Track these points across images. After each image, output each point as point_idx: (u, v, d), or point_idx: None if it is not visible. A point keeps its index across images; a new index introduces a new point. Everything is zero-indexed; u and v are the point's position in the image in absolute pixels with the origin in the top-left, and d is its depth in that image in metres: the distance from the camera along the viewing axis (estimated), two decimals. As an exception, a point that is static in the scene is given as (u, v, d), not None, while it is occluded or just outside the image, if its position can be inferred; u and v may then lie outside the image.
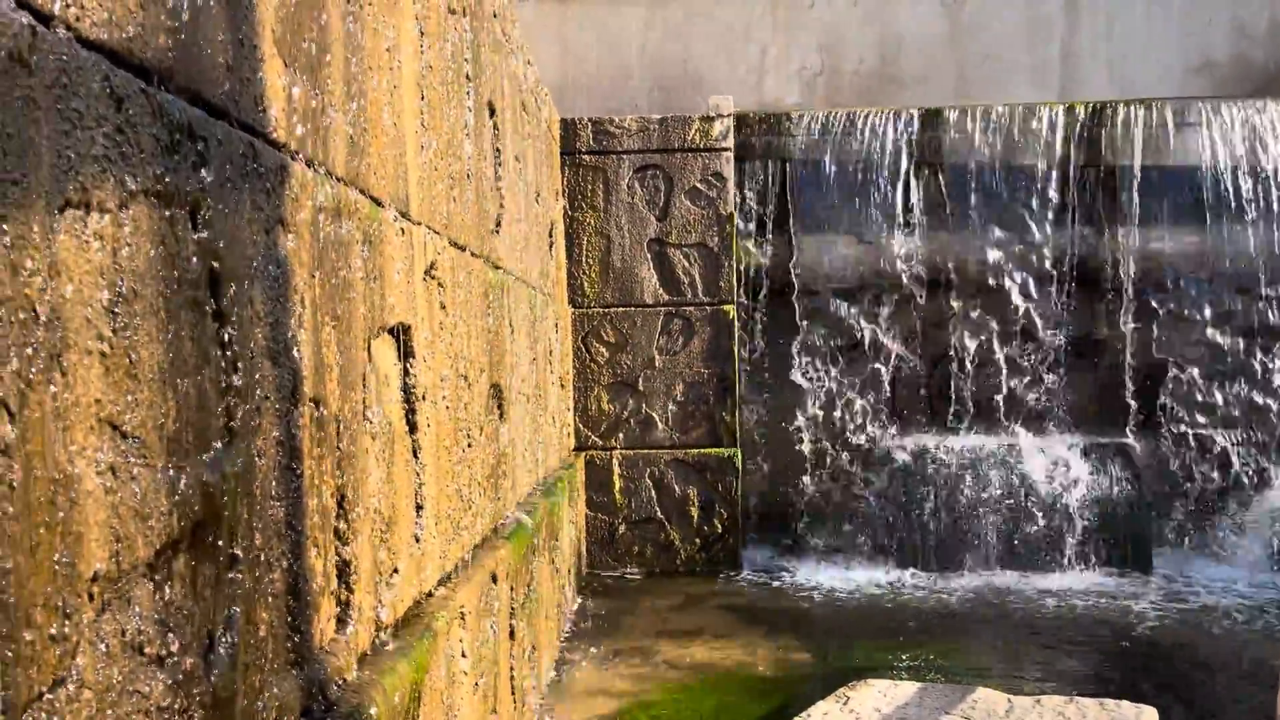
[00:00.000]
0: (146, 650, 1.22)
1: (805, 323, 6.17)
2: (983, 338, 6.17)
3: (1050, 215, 6.10)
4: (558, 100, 6.28)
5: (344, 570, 1.92)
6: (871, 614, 5.03)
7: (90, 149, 1.11)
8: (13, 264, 0.97)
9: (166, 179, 1.28)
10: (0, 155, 0.94)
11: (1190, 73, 6.61)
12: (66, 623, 1.05)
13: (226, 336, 1.44)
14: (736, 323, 5.96)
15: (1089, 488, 5.76)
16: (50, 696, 1.02)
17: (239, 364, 1.47)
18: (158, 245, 1.25)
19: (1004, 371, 6.16)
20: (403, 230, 2.36)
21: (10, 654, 0.94)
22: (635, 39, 6.72)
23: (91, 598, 1.10)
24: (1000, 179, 6.11)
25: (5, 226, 0.95)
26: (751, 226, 6.17)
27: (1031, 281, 6.14)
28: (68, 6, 1.08)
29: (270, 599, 1.58)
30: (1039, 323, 6.15)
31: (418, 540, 2.44)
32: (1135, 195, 6.07)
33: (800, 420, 6.16)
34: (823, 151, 6.10)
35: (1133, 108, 6.03)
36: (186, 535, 1.32)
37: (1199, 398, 6.10)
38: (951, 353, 6.18)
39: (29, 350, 0.99)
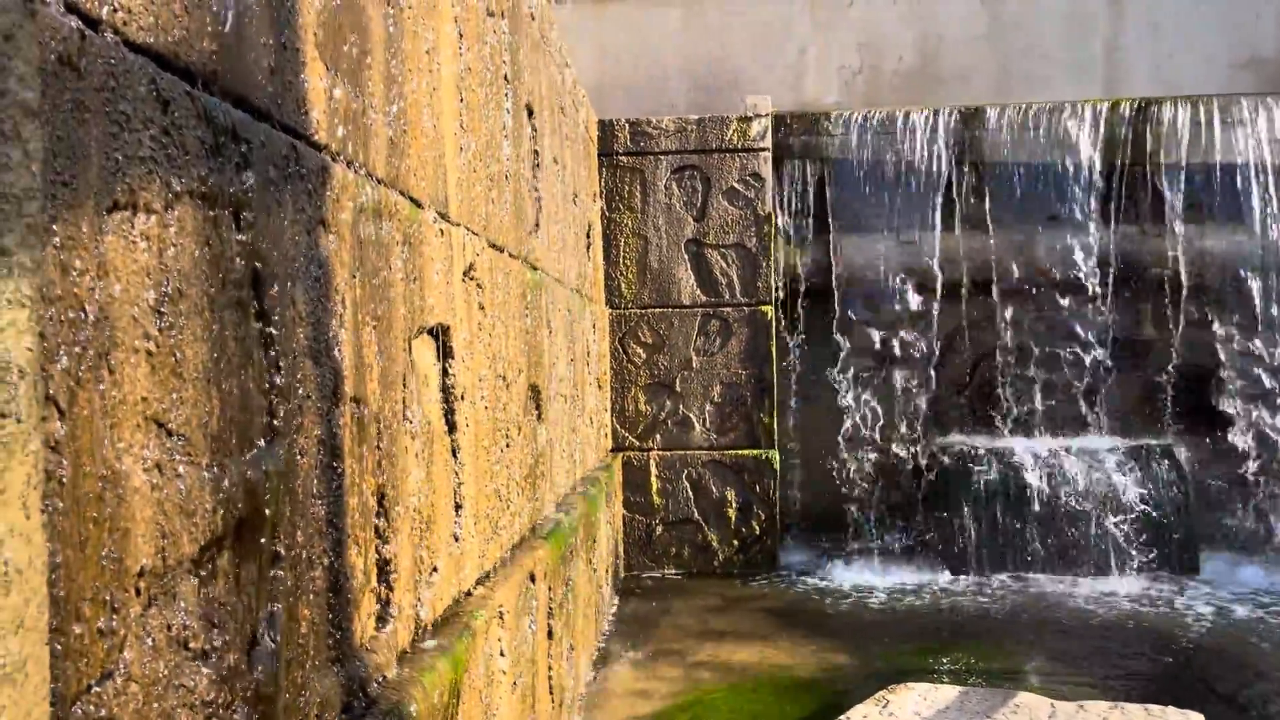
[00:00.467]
0: (191, 645, 1.23)
1: (845, 323, 6.13)
2: (1025, 338, 6.09)
3: (1094, 214, 6.01)
4: (595, 101, 6.29)
5: (384, 568, 1.94)
6: (911, 616, 4.99)
7: (137, 151, 1.13)
8: (63, 264, 0.98)
9: (211, 180, 1.30)
10: (51, 157, 0.96)
11: (1236, 68, 6.49)
12: (114, 617, 1.07)
13: (269, 336, 1.46)
14: (775, 323, 5.94)
15: (1134, 490, 5.67)
16: (98, 689, 1.04)
17: (281, 363, 1.49)
18: (202, 246, 1.27)
19: (1048, 372, 6.08)
20: (442, 231, 2.37)
21: (60, 647, 0.96)
22: (672, 39, 6.72)
23: (138, 593, 1.12)
24: (1042, 177, 6.03)
25: (55, 227, 0.97)
26: (790, 227, 6.15)
27: (1075, 281, 6.05)
28: (115, 11, 1.10)
29: (312, 596, 1.60)
30: (1082, 323, 6.07)
31: (456, 539, 2.45)
32: (1181, 193, 5.97)
33: (839, 421, 6.12)
34: (862, 151, 6.07)
35: (1178, 104, 5.94)
36: (230, 532, 1.34)
37: (1248, 399, 5.98)
38: (993, 353, 6.11)
39: (78, 349, 1.01)
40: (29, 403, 0.78)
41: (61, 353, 0.98)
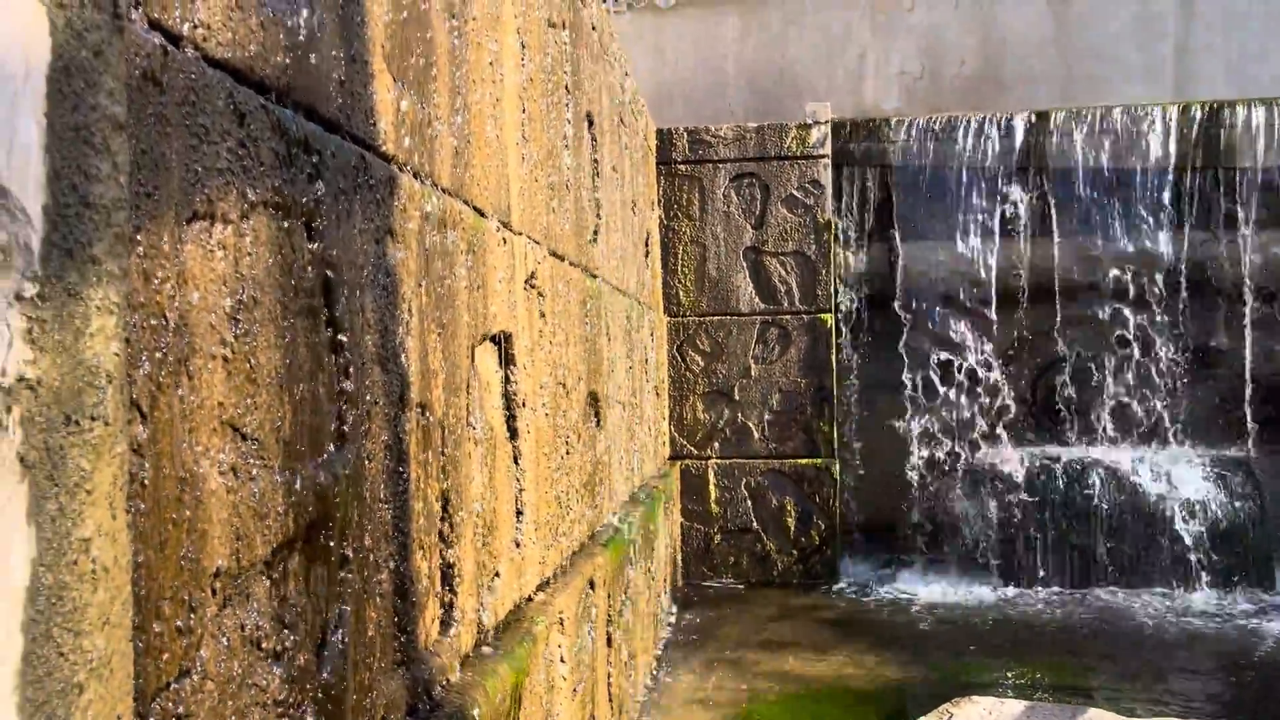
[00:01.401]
0: (264, 645, 1.26)
1: (906, 331, 6.06)
2: (1092, 347, 5.97)
3: (1164, 219, 5.88)
4: (653, 109, 6.32)
5: (447, 573, 1.96)
6: (975, 629, 4.91)
7: (215, 162, 1.16)
8: (145, 272, 1.02)
9: (284, 191, 1.33)
10: (135, 169, 0.99)
11: (1315, 69, 6.30)
12: (192, 616, 1.10)
13: (339, 343, 1.48)
14: (834, 331, 5.89)
15: (1207, 503, 5.52)
16: (176, 687, 1.06)
17: (350, 369, 1.52)
18: (276, 254, 1.30)
19: (1114, 382, 5.95)
20: (504, 240, 2.40)
21: (141, 645, 0.99)
22: (731, 47, 6.72)
23: (214, 593, 1.15)
24: (1109, 182, 5.91)
25: (139, 237, 1.00)
26: (850, 234, 6.10)
27: (1144, 288, 5.92)
28: (195, 27, 1.14)
29: (378, 599, 1.62)
30: (1152, 331, 5.93)
31: (518, 545, 2.47)
32: (1255, 198, 5.81)
33: (900, 430, 6.05)
34: (924, 157, 6.00)
35: (1251, 107, 5.78)
36: (301, 535, 1.36)
37: (1327, 410, 5.79)
38: (1059, 362, 6.00)
39: (159, 354, 1.04)
40: (116, 406, 0.81)
41: (144, 358, 1.01)
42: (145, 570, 1.01)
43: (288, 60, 1.36)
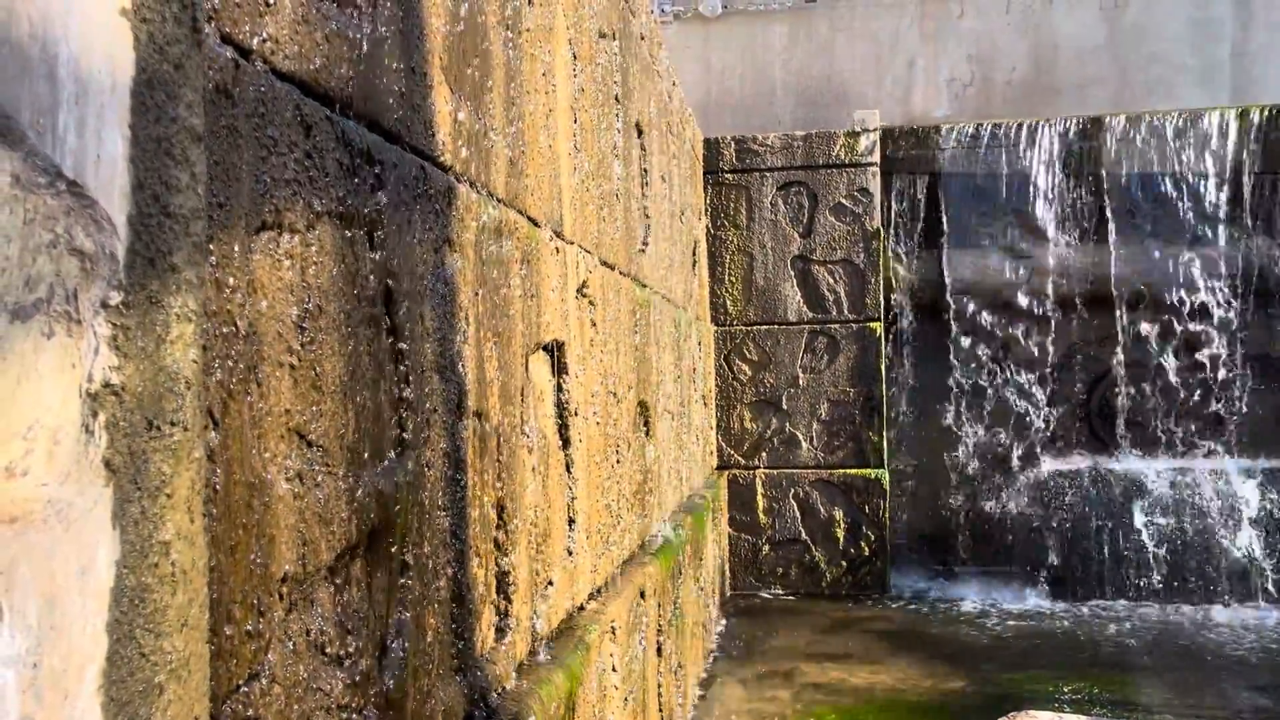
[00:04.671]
0: (328, 650, 1.28)
1: (957, 340, 5.99)
2: (1149, 355, 5.86)
3: (1222, 225, 5.76)
4: (701, 118, 6.32)
5: (502, 580, 1.97)
6: (1029, 642, 4.83)
7: (283, 173, 1.18)
8: (217, 281, 1.04)
9: (348, 201, 1.35)
10: (208, 180, 1.01)
11: (1380, 70, 6.14)
12: (260, 620, 1.11)
13: (400, 351, 1.50)
14: (884, 340, 5.84)
15: (1269, 515, 5.39)
16: (246, 689, 1.08)
17: (410, 378, 1.53)
18: (339, 264, 1.32)
19: (1173, 390, 5.83)
20: (557, 249, 2.41)
21: (213, 647, 1.00)
22: (779, 55, 6.70)
23: (281, 597, 1.16)
24: (1166, 188, 5.81)
25: (211, 246, 1.02)
26: (900, 242, 6.05)
27: (1202, 295, 5.80)
28: (264, 41, 1.16)
29: (437, 605, 1.63)
30: (1212, 339, 5.80)
31: (570, 553, 2.48)
32: (1318, 203, 5.67)
33: (952, 440, 5.98)
34: (974, 164, 5.94)
35: (1314, 109, 5.64)
36: (363, 541, 1.38)
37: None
38: (1115, 371, 5.89)
39: (230, 362, 1.06)
40: (194, 412, 0.82)
41: (216, 365, 1.03)
42: (217, 574, 1.02)
43: (351, 73, 1.38)
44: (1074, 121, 5.86)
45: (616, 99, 3.21)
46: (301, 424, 1.21)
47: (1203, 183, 5.77)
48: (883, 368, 5.82)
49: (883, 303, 5.89)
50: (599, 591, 2.77)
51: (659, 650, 3.36)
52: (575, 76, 2.65)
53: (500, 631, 1.95)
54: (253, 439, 1.10)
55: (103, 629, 0.71)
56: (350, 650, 1.33)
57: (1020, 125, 5.90)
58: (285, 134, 1.19)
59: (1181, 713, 3.80)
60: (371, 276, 1.42)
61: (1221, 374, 5.81)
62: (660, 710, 3.34)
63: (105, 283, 0.72)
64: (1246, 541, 5.37)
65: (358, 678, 1.35)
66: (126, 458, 0.74)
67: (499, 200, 2.00)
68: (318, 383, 1.25)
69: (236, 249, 1.08)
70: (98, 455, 0.71)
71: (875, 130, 5.84)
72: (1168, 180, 5.80)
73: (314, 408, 1.24)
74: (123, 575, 0.73)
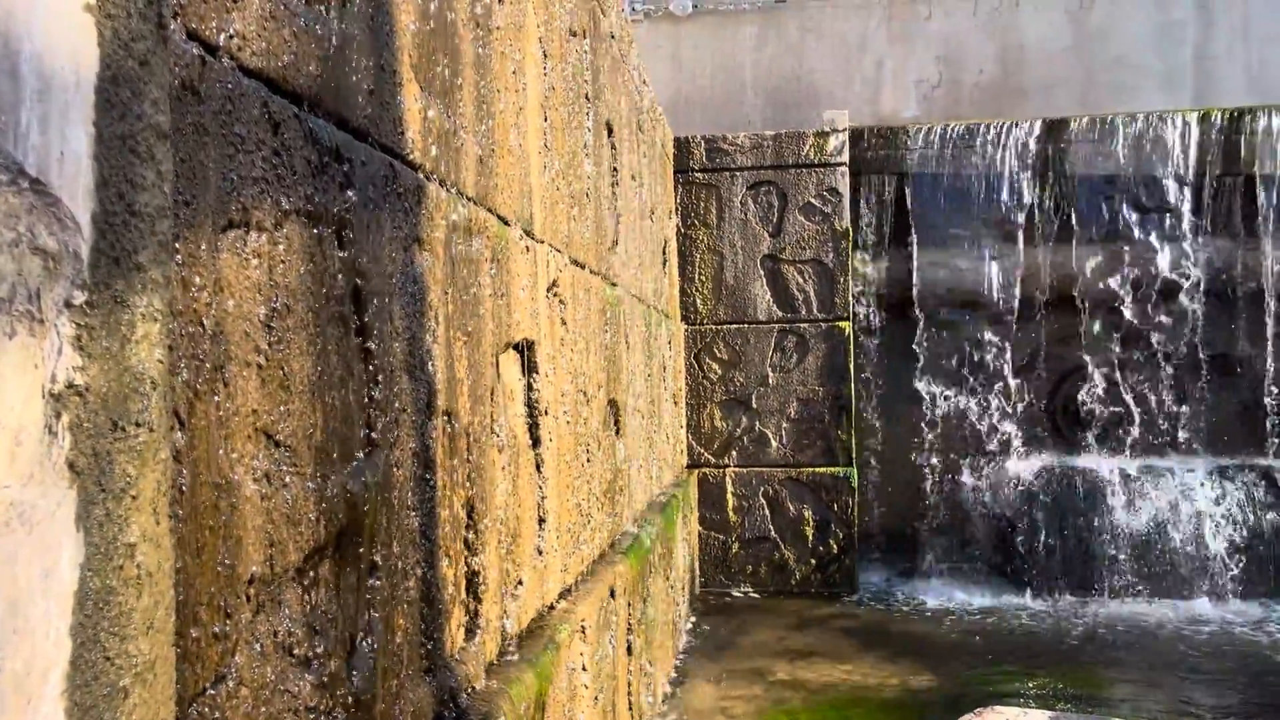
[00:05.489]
0: (296, 652, 1.27)
1: (924, 340, 6.04)
2: (1110, 354, 5.94)
3: (1184, 226, 5.84)
4: (671, 117, 6.32)
5: (472, 580, 1.97)
6: (995, 639, 4.88)
7: (250, 171, 1.17)
8: (184, 280, 1.02)
9: (316, 199, 1.34)
10: (174, 178, 1.00)
11: (1337, 75, 6.26)
12: (227, 622, 1.10)
13: (368, 351, 1.49)
14: (852, 340, 5.88)
15: (1228, 512, 5.47)
16: (212, 692, 1.07)
17: (379, 377, 1.53)
18: (308, 263, 1.31)
19: (1135, 390, 5.92)
20: (527, 248, 2.41)
21: (179, 650, 0.99)
22: (749, 55, 6.72)
23: (248, 599, 1.15)
24: (1129, 189, 5.89)
25: (178, 245, 1.01)
26: (868, 242, 6.09)
27: (1165, 296, 5.88)
28: (231, 38, 1.15)
29: (406, 606, 1.63)
30: (1173, 339, 5.89)
31: (540, 553, 2.47)
32: (1276, 205, 5.77)
33: (919, 439, 6.03)
34: (942, 165, 5.99)
35: (1272, 113, 5.74)
36: (331, 542, 1.37)
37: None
38: (1078, 370, 5.97)
39: (196, 362, 1.05)
40: (160, 413, 0.81)
41: (182, 365, 1.02)
42: (183, 576, 1.01)
43: (319, 70, 1.37)
44: (1040, 123, 5.93)
45: (587, 97, 3.21)
46: (269, 424, 1.20)
47: (1165, 184, 5.85)
48: (852, 367, 5.86)
49: (852, 302, 5.92)
50: (569, 591, 2.76)
51: (629, 649, 3.36)
52: (546, 75, 2.64)
53: (470, 631, 1.95)
54: (220, 439, 1.09)
55: (66, 633, 0.70)
56: (318, 651, 1.32)
57: (987, 126, 5.95)
58: (253, 131, 1.17)
59: (1145, 708, 3.85)
60: (340, 275, 1.41)
61: (1183, 373, 5.90)
62: (630, 709, 3.34)
63: (69, 282, 0.71)
64: (1209, 538, 5.46)
65: (326, 679, 1.34)
66: (91, 459, 0.73)
67: (469, 199, 1.99)
68: (286, 382, 1.24)
69: (203, 247, 1.06)
70: (61, 457, 0.70)
71: (844, 130, 5.87)
72: (1131, 181, 5.88)
73: (282, 408, 1.23)
74: (87, 578, 0.72)
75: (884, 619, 5.27)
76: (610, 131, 3.66)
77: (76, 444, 0.71)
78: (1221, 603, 5.36)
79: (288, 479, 1.24)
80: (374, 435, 1.50)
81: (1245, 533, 5.45)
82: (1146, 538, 5.50)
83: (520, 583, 2.28)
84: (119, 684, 0.75)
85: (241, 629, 1.13)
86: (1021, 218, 5.94)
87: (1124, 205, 5.89)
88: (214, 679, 1.07)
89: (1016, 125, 5.93)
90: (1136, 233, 5.90)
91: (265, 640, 1.19)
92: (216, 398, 1.09)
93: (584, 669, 2.66)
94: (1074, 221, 5.93)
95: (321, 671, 1.33)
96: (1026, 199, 5.93)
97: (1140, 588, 5.47)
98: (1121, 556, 5.51)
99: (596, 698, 2.80)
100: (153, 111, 0.80)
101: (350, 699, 1.41)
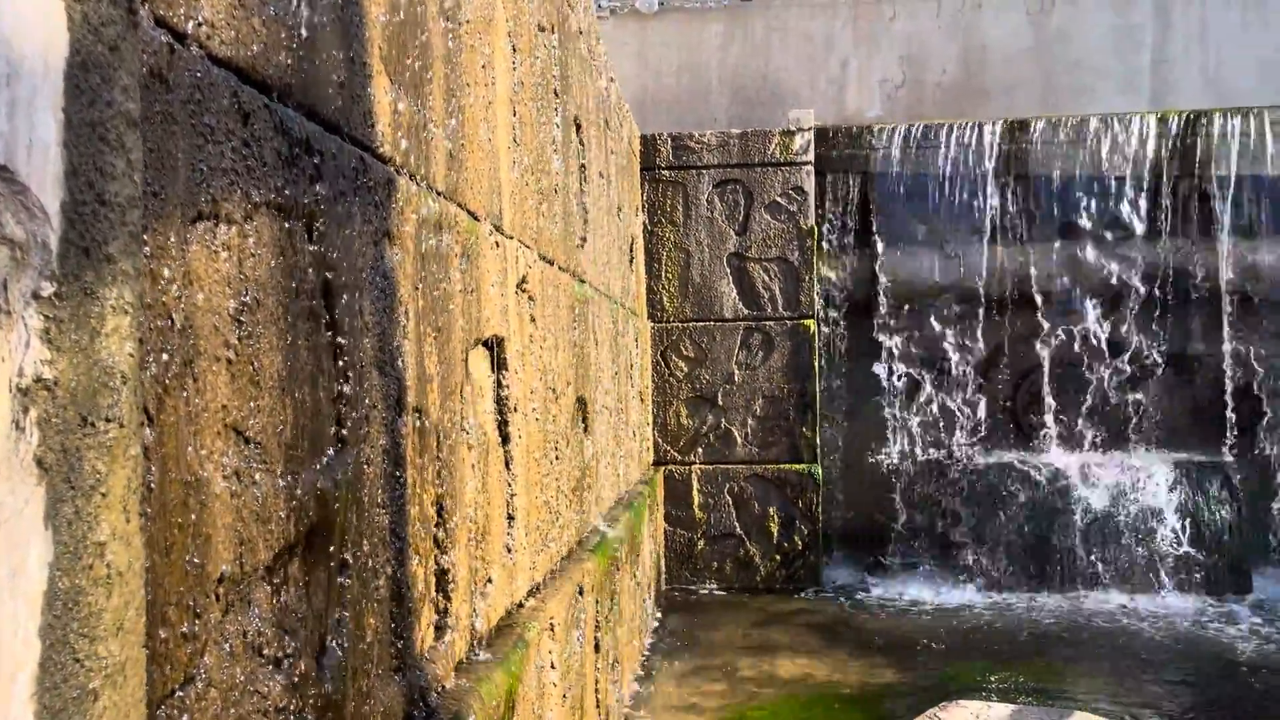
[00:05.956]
0: (265, 652, 1.24)
1: (888, 337, 6.09)
2: (1071, 353, 6.02)
3: (1141, 227, 5.94)
4: (637, 115, 6.32)
5: (442, 578, 1.95)
6: (958, 633, 4.92)
7: (220, 162, 1.14)
8: (152, 273, 1.00)
9: (286, 192, 1.31)
10: (143, 169, 0.98)
11: (1290, 79, 6.38)
12: (196, 622, 1.08)
13: (339, 346, 1.47)
14: (818, 337, 5.91)
15: (1184, 508, 5.57)
16: (181, 694, 1.05)
17: (349, 373, 1.50)
18: (278, 256, 1.29)
19: (1094, 387, 6.00)
20: (497, 244, 2.39)
21: (148, 651, 0.97)
22: (715, 54, 6.73)
23: (218, 598, 1.13)
24: (1089, 190, 5.97)
25: (146, 237, 0.99)
26: (833, 240, 6.13)
27: (1123, 295, 5.97)
28: (199, 25, 1.12)
29: (376, 605, 1.61)
30: (1131, 338, 5.98)
31: (509, 550, 2.46)
32: (1230, 206, 5.88)
33: (882, 436, 6.08)
34: (905, 164, 6.03)
35: (1228, 116, 5.85)
36: (301, 540, 1.35)
37: (1302, 415, 5.86)
38: (1038, 368, 6.04)
39: (165, 356, 1.03)
40: (130, 408, 0.79)
41: (151, 360, 1.00)
42: (152, 576, 0.99)
43: (289, 60, 1.35)
44: (1001, 124, 5.99)
45: (555, 93, 3.19)
46: (239, 420, 1.18)
47: (1123, 185, 5.94)
48: (817, 364, 5.89)
49: (817, 300, 5.95)
50: (538, 588, 2.75)
51: (597, 646, 3.36)
52: (515, 69, 2.62)
53: (440, 630, 1.93)
54: (189, 436, 1.07)
55: (35, 634, 0.68)
56: (288, 651, 1.30)
57: (951, 127, 6.01)
58: (222, 121, 1.15)
59: (1103, 700, 3.91)
60: (310, 269, 1.38)
61: (1141, 370, 5.99)
62: (598, 706, 3.34)
63: (37, 273, 0.69)
64: (1164, 533, 5.55)
65: (296, 679, 1.32)
66: (59, 455, 0.71)
67: (439, 193, 1.97)
68: (256, 378, 1.22)
69: (172, 239, 1.04)
70: (29, 453, 0.68)
71: (810, 129, 5.90)
72: (1090, 182, 5.96)
73: (252, 403, 1.21)
74: (55, 578, 0.70)
75: (849, 615, 5.30)
76: (578, 128, 3.65)
77: (45, 440, 0.69)
78: (1178, 597, 5.45)
79: (257, 476, 1.22)
80: (344, 432, 1.48)
81: (1201, 529, 5.55)
82: (1105, 533, 5.58)
83: (490, 580, 2.26)
84: (89, 686, 0.73)
85: (211, 629, 1.11)
86: (984, 217, 6.00)
87: (1084, 205, 5.97)
88: (183, 680, 1.05)
89: (978, 126, 5.99)
90: (1096, 232, 5.99)
91: (235, 640, 1.17)
92: (186, 393, 1.07)
93: (553, 667, 2.65)
94: (1035, 221, 6.01)
95: (291, 672, 1.31)
96: (989, 199, 5.99)
97: (1101, 582, 5.55)
98: (1081, 551, 5.59)
99: (565, 695, 2.79)
100: (123, 98, 0.78)
101: (320, 699, 1.39)
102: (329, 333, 1.44)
